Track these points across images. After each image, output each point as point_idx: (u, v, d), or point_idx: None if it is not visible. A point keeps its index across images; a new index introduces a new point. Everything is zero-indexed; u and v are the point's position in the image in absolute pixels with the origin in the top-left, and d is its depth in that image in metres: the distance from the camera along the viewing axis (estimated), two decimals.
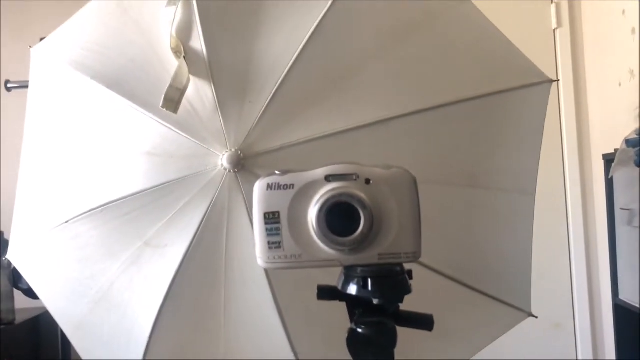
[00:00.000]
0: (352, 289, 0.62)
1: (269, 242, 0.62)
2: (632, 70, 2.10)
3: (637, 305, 1.50)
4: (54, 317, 1.23)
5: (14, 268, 1.99)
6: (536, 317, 1.12)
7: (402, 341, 0.65)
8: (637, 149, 1.35)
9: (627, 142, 1.41)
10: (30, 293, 2.18)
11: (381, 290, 0.61)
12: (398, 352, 0.73)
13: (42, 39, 1.22)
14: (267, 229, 0.62)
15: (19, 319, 2.19)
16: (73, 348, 2.34)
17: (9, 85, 2.15)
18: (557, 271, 2.60)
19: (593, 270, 2.57)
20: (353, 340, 0.61)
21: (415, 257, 0.61)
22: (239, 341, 1.05)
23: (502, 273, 1.09)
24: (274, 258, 0.62)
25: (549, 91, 1.10)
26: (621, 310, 1.67)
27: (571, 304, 2.61)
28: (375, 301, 0.61)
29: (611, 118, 2.31)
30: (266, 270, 0.98)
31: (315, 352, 1.02)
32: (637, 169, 1.36)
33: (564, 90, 2.58)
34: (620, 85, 2.21)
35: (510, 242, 1.11)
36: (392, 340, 0.62)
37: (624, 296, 1.63)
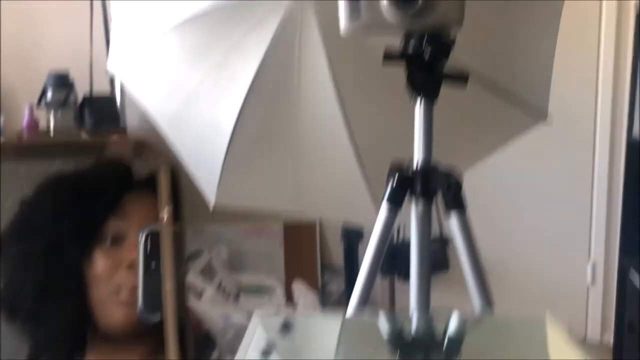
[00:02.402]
0: (410, 49, 0.85)
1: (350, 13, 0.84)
2: None
3: None
4: (150, 114, 1.48)
5: None
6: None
7: None
8: None
9: None
10: None
11: (432, 46, 0.83)
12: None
13: None
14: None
15: None
16: None
17: None
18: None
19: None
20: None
21: (459, 22, 0.83)
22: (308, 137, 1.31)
23: (525, 71, 1.28)
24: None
25: None
26: (634, 148, 1.81)
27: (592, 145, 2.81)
28: (426, 57, 0.84)
29: None
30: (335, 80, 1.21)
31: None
32: None
33: None
34: None
35: (537, 45, 1.29)
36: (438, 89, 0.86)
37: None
